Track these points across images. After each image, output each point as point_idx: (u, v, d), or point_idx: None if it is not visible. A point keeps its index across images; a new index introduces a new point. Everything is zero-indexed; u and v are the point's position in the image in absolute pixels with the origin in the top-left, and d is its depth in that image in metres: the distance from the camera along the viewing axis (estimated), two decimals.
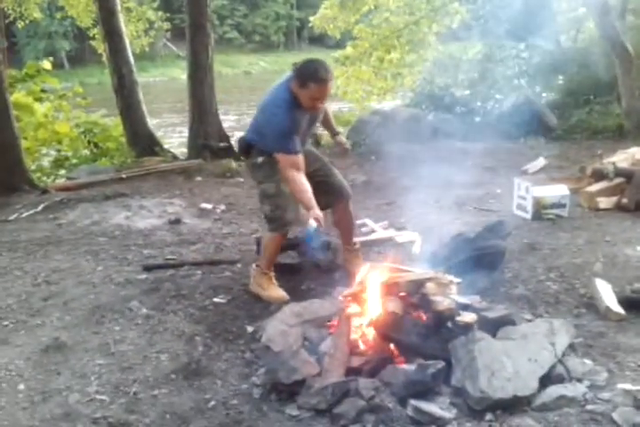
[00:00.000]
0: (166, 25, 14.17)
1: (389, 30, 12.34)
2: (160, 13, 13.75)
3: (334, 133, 4.23)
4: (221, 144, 8.76)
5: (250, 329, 3.58)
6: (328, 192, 3.95)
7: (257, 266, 4.03)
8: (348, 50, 12.63)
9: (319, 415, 2.70)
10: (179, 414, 2.80)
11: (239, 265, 4.56)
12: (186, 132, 9.41)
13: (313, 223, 3.48)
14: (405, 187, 6.22)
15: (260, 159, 3.83)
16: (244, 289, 4.11)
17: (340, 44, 13.94)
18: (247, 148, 3.91)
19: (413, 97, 10.33)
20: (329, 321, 3.30)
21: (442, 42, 12.78)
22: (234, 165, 7.99)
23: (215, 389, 3.00)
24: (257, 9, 43.84)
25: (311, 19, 13.21)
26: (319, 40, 37.32)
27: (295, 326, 3.30)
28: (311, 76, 3.44)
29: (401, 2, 12.39)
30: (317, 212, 3.50)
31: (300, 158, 3.61)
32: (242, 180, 7.55)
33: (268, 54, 41.36)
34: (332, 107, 10.36)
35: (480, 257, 4.09)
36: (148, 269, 4.53)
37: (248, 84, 27.91)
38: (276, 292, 3.92)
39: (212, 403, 2.88)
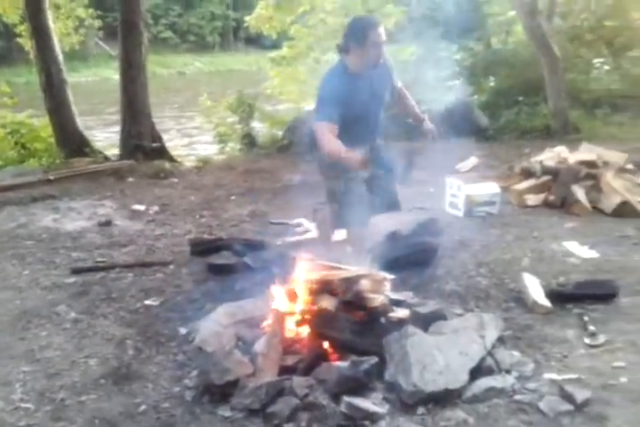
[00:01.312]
0: (97, 23, 13.79)
1: (325, 31, 12.39)
2: (91, 11, 13.37)
3: (417, 120, 4.06)
4: (154, 144, 8.59)
5: (183, 331, 3.52)
6: (382, 198, 3.92)
7: None
8: (285, 50, 12.63)
9: (252, 415, 2.67)
10: (108, 419, 2.72)
11: (172, 267, 4.49)
12: (118, 133, 9.19)
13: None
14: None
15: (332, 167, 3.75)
16: (176, 291, 4.04)
17: (276, 45, 13.89)
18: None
19: None
20: (263, 321, 3.27)
21: None
22: (167, 165, 7.86)
23: (146, 393, 2.93)
24: (192, 9, 43.26)
25: (247, 19, 13.13)
26: (255, 41, 37.03)
27: (229, 326, 3.28)
28: (365, 25, 3.55)
29: (336, 3, 12.45)
30: (357, 155, 3.40)
31: (334, 126, 3.49)
32: (176, 180, 7.44)
33: (204, 55, 40.84)
34: (266, 107, 10.36)
35: (414, 254, 4.16)
36: (76, 272, 4.40)
37: (179, 85, 27.54)
38: None
39: (143, 407, 2.81)
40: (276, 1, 12.51)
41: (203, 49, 42.59)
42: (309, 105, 11.53)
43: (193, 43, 43.15)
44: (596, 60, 11.12)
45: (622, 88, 10.14)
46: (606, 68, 10.89)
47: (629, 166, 5.90)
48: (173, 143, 11.52)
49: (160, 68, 32.86)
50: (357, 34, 3.54)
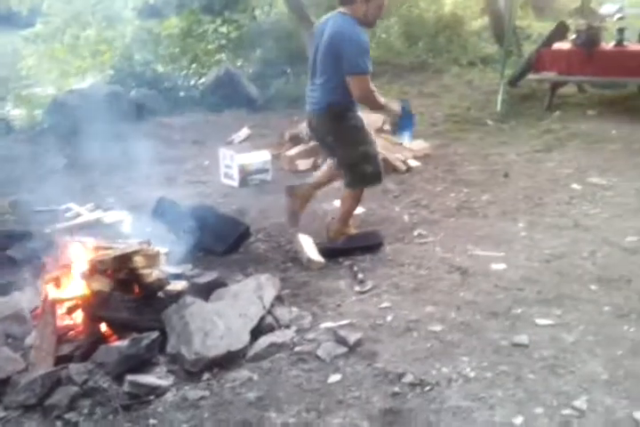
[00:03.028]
0: None
1: (82, 5, 11.70)
2: None
3: None
4: None
5: None
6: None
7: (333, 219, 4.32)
8: (39, 27, 11.73)
9: (29, 411, 2.53)
10: None
11: None
12: None
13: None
14: (112, 166, 6.02)
15: (359, 121, 3.94)
16: None
17: (31, 23, 12.82)
18: (338, 111, 3.86)
19: (114, 74, 9.95)
20: (33, 313, 3.09)
21: (140, 17, 12.45)
22: None
23: None
24: None
25: None
26: (6, 19, 33.93)
27: None
28: None
29: None
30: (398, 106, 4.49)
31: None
32: None
33: None
34: (22, 89, 9.53)
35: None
36: None
37: None
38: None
39: None
40: None
41: None
42: (74, 84, 10.90)
43: None
44: None
45: (378, 55, 10.84)
46: None
47: (386, 127, 6.38)
48: None
49: None
50: None
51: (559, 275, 3.52)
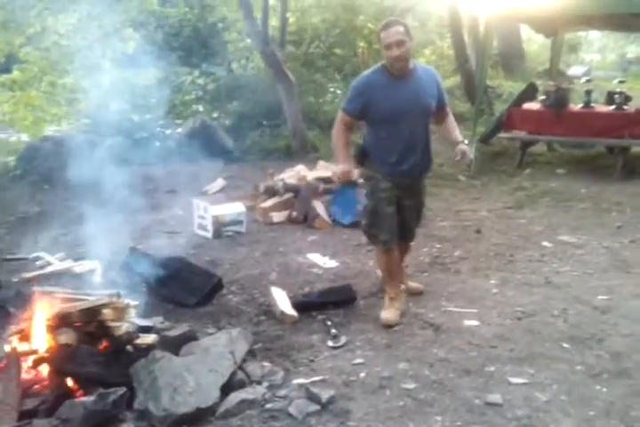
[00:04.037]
0: None
1: (60, 54, 11.80)
2: None
3: (455, 142, 3.83)
4: None
5: None
6: (400, 226, 3.86)
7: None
8: (16, 74, 11.76)
9: None
10: None
11: None
12: None
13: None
14: (84, 215, 5.92)
15: (368, 172, 3.84)
16: None
17: (7, 69, 12.88)
18: (362, 154, 3.83)
19: (89, 122, 9.99)
20: None
21: (118, 67, 12.60)
22: None
23: None
24: None
25: None
26: None
27: None
28: (381, 27, 3.58)
29: (70, 26, 11.94)
30: (345, 166, 3.71)
31: (350, 119, 3.73)
32: None
33: None
34: None
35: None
36: None
37: None
38: (384, 313, 3.77)
39: None
40: (0, 21, 11.66)
41: None
42: (49, 131, 10.90)
43: None
44: (330, 85, 12.02)
45: None
46: (339, 92, 11.80)
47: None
48: None
49: None
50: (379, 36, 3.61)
51: (531, 333, 3.53)
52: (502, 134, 8.16)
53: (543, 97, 7.92)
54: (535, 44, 16.98)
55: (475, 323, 3.68)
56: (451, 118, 3.92)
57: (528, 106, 8.05)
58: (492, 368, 3.14)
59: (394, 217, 3.78)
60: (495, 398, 2.85)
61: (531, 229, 5.54)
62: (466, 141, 3.85)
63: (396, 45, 3.46)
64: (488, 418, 2.71)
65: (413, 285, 4.22)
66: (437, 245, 5.16)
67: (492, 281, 4.37)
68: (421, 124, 3.72)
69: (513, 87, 11.70)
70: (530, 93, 8.56)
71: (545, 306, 3.89)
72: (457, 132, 3.89)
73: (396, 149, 3.70)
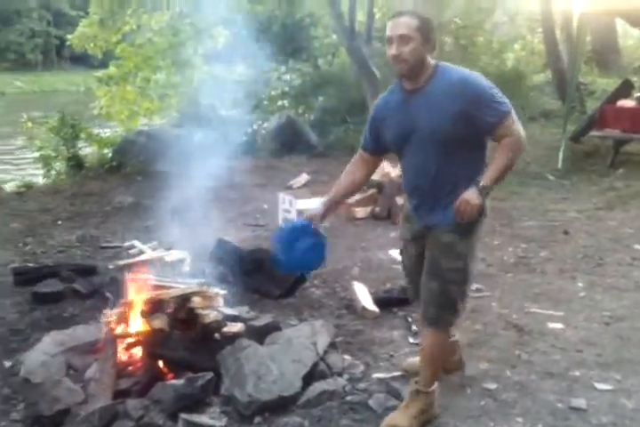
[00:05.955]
0: None
1: (154, 51, 12.25)
2: None
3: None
4: None
5: (7, 364, 3.31)
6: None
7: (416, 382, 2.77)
8: (112, 69, 12.29)
9: None
10: None
11: None
12: None
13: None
14: (174, 206, 6.17)
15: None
16: None
17: (104, 64, 13.48)
18: None
19: (180, 117, 10.35)
20: (94, 346, 3.17)
21: (208, 63, 12.96)
22: None
23: None
24: (9, 25, 40.65)
25: (70, 37, 12.63)
26: (82, 59, 35.56)
27: (57, 355, 3.13)
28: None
29: (163, 23, 12.37)
30: (317, 207, 2.95)
31: (363, 154, 2.84)
32: None
33: (26, 74, 38.42)
34: (94, 128, 9.97)
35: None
36: None
37: None
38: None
39: None
40: (99, 19, 12.20)
41: (24, 68, 40.13)
42: (141, 125, 11.36)
43: (12, 61, 40.57)
44: None
45: None
46: None
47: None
48: None
49: None
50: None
51: (619, 338, 3.43)
52: (594, 133, 7.89)
53: (639, 94, 7.60)
54: (631, 38, 16.27)
55: (559, 326, 3.61)
56: (503, 144, 2.56)
57: (622, 103, 7.74)
58: (577, 373, 3.07)
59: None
60: (580, 402, 2.80)
61: (621, 231, 5.35)
62: (482, 184, 2.55)
63: (396, 41, 2.47)
64: (572, 423, 2.67)
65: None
66: (522, 245, 5.07)
67: (580, 284, 4.26)
68: (434, 154, 2.56)
69: (607, 84, 11.28)
70: (624, 90, 8.22)
71: (635, 311, 3.77)
72: (490, 169, 2.59)
73: (407, 187, 2.80)
